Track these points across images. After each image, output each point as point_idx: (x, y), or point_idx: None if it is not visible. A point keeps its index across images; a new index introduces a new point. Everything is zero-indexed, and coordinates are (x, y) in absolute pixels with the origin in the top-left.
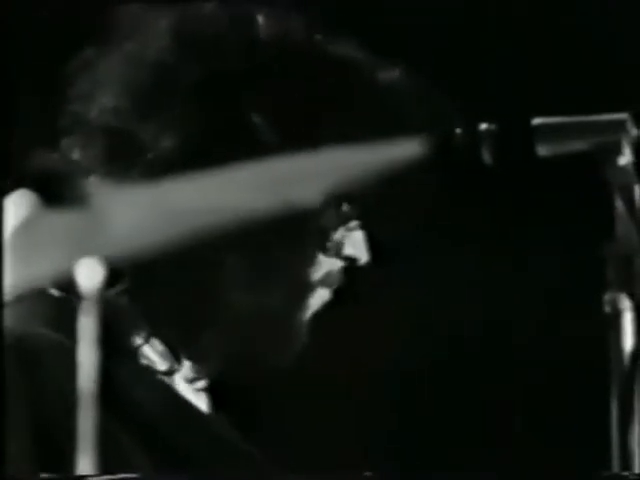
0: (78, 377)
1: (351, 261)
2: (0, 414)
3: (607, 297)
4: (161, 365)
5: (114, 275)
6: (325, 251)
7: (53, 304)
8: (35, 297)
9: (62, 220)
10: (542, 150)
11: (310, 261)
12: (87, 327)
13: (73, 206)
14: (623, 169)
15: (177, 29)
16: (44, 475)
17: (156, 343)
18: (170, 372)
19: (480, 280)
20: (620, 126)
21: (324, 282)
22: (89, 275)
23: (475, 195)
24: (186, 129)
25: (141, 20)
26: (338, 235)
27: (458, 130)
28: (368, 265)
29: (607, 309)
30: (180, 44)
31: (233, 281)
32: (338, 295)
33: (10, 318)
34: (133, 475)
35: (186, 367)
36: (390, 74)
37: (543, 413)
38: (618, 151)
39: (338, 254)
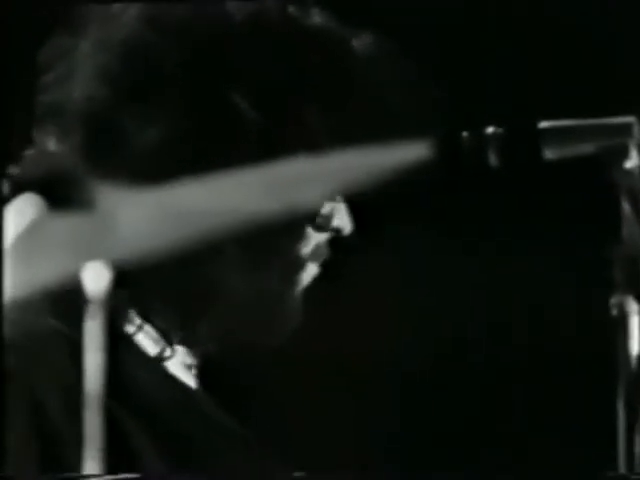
0: (85, 379)
1: (337, 232)
2: (0, 414)
3: (614, 300)
4: (154, 350)
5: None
6: (315, 226)
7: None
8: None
9: (68, 224)
10: (549, 153)
11: (301, 237)
12: (94, 330)
13: (79, 209)
14: (630, 172)
15: (148, 14)
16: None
17: (149, 329)
18: (164, 358)
19: (485, 282)
20: (627, 129)
21: (313, 256)
22: (95, 279)
23: (482, 198)
24: (168, 116)
25: (112, 8)
26: (326, 209)
27: (465, 133)
28: (354, 241)
29: (614, 312)
30: (153, 29)
31: (226, 263)
32: (326, 269)
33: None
34: (135, 475)
35: (180, 352)
36: (366, 43)
37: (549, 415)
38: (625, 154)
39: (327, 227)
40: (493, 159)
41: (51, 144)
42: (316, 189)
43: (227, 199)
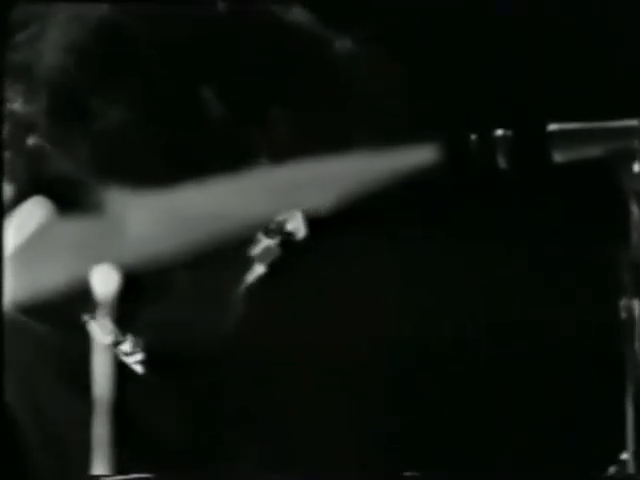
0: (93, 384)
1: (289, 236)
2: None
3: (622, 303)
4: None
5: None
6: (267, 233)
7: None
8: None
9: (76, 227)
10: (557, 156)
11: (250, 242)
12: (102, 332)
13: (87, 213)
14: (638, 175)
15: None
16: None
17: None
18: (114, 344)
19: (493, 284)
20: (635, 133)
21: (261, 257)
22: (104, 281)
23: (490, 200)
24: (134, 100)
25: None
26: (280, 217)
27: (473, 136)
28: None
29: (623, 315)
30: (130, 12)
31: (174, 262)
32: (273, 268)
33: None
34: (146, 475)
35: (128, 340)
36: (345, 44)
37: (555, 417)
38: (633, 157)
39: (279, 232)
40: (502, 162)
41: (18, 104)
42: (322, 193)
43: (234, 203)
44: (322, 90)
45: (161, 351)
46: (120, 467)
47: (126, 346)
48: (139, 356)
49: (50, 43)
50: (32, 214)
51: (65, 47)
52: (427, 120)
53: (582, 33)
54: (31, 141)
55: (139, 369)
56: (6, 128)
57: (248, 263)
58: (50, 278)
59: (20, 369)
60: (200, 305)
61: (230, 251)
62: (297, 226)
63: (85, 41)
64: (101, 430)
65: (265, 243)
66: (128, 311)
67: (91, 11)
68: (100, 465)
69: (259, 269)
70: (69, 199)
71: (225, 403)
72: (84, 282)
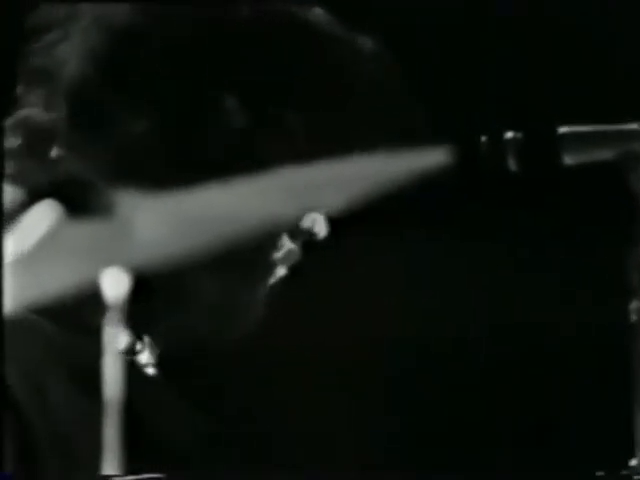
0: (104, 386)
1: (311, 236)
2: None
3: (632, 306)
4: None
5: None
6: (292, 237)
7: None
8: None
9: (86, 230)
10: (568, 159)
11: (274, 245)
12: (112, 337)
13: (97, 216)
14: None
15: (148, 4)
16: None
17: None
18: (131, 352)
19: (502, 287)
20: None
21: (284, 260)
22: (114, 284)
23: (500, 202)
24: (155, 111)
25: None
26: (307, 222)
27: (484, 138)
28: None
29: (633, 318)
30: (152, 19)
31: (195, 266)
32: (294, 270)
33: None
34: (157, 475)
35: (141, 343)
36: (366, 44)
37: (561, 420)
38: None
39: (304, 235)
40: (512, 164)
41: (37, 111)
42: (335, 194)
43: (246, 204)
44: (339, 91)
45: (176, 354)
46: (131, 468)
47: (139, 349)
48: (152, 359)
49: (72, 48)
50: (42, 217)
51: (87, 53)
52: (439, 122)
53: (595, 37)
54: (47, 147)
55: (152, 372)
56: (24, 134)
57: (267, 266)
58: (60, 281)
59: (30, 369)
60: (217, 307)
61: (249, 253)
62: (320, 228)
63: (107, 47)
64: (111, 432)
65: (288, 246)
66: (141, 314)
67: (114, 16)
68: (110, 466)
69: (281, 271)
70: (79, 202)
71: (238, 404)
72: (94, 285)
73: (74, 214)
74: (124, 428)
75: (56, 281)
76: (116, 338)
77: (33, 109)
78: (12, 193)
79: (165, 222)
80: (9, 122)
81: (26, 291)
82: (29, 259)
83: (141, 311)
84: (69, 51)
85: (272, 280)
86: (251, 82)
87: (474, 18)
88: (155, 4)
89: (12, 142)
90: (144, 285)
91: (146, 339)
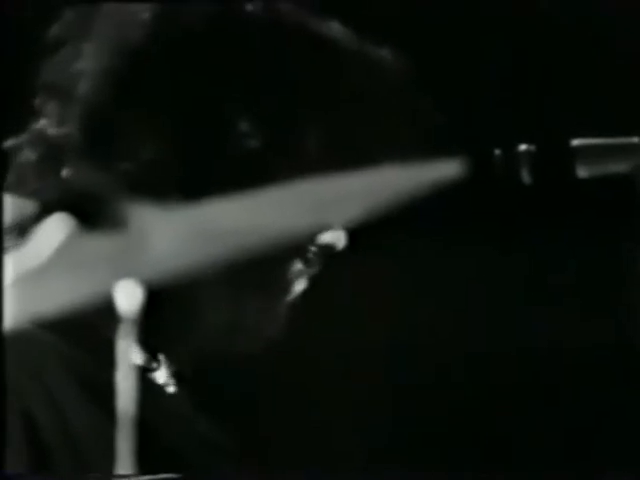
0: (117, 399)
1: (330, 249)
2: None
3: None
4: (137, 362)
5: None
6: (307, 263)
7: None
8: None
9: (99, 242)
10: (581, 171)
11: (294, 262)
12: (126, 350)
13: (110, 228)
14: None
15: (162, 22)
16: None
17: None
18: (148, 370)
19: (518, 298)
20: None
21: (303, 273)
22: (128, 297)
23: (513, 214)
24: (168, 132)
25: (125, 8)
26: (327, 238)
27: (497, 151)
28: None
29: None
30: (165, 39)
31: (208, 281)
32: (314, 281)
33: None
34: (173, 475)
35: (163, 365)
36: (382, 57)
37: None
38: None
39: (323, 251)
40: (525, 177)
41: (50, 125)
42: (349, 207)
43: (260, 217)
44: (356, 107)
45: (192, 368)
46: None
47: (155, 367)
48: (170, 378)
49: (86, 65)
50: (55, 230)
51: (101, 71)
52: (453, 134)
53: (610, 51)
54: (60, 162)
55: (171, 390)
56: (38, 149)
57: (285, 281)
58: (73, 293)
59: (43, 380)
60: (233, 323)
61: (267, 268)
62: (340, 242)
63: (121, 65)
64: (125, 445)
65: (308, 261)
66: (157, 328)
67: (128, 35)
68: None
69: (300, 287)
70: (92, 214)
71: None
72: (108, 298)
73: (87, 227)
74: (138, 440)
75: (69, 294)
76: (129, 351)
77: (47, 124)
78: (25, 207)
79: (179, 235)
80: (24, 137)
81: (39, 304)
82: (42, 272)
83: (157, 326)
84: (83, 68)
85: (291, 296)
86: (266, 99)
87: (489, 31)
88: (170, 24)
89: (26, 156)
90: (159, 299)
91: (162, 357)
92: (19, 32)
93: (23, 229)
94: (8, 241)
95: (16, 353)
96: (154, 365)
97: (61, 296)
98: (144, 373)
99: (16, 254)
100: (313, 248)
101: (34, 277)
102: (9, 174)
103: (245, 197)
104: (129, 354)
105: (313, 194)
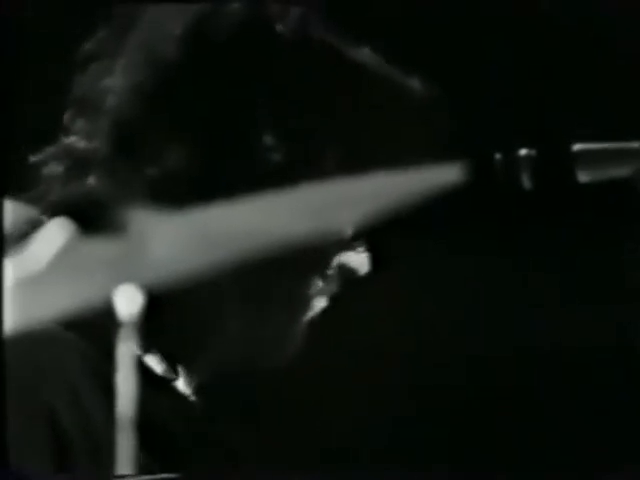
0: (117, 403)
1: (351, 272)
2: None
3: None
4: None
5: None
6: (325, 279)
7: None
8: None
9: (100, 247)
10: (582, 176)
11: (310, 284)
12: (126, 354)
13: (112, 233)
14: None
15: (191, 37)
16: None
17: (153, 356)
18: (168, 380)
19: (516, 302)
20: None
21: (321, 292)
22: (128, 302)
23: (514, 219)
24: (195, 147)
25: (156, 19)
26: (349, 259)
27: (498, 155)
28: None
29: None
30: (196, 55)
31: (226, 297)
32: (334, 300)
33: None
34: (173, 475)
35: (182, 378)
36: (415, 89)
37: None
38: None
39: (345, 273)
40: (526, 181)
41: (78, 139)
42: (351, 212)
43: (260, 222)
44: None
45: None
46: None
47: (174, 377)
48: (190, 389)
49: (116, 81)
50: (55, 235)
51: (131, 87)
52: (453, 139)
53: (612, 56)
54: (85, 175)
55: (193, 398)
56: (64, 162)
57: (305, 298)
58: (74, 298)
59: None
60: (252, 338)
61: (287, 282)
62: (363, 266)
63: (151, 82)
64: (125, 445)
65: (327, 277)
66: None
67: (159, 52)
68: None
69: (320, 304)
70: (93, 219)
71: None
72: (108, 302)
73: (87, 232)
74: (141, 441)
75: (69, 298)
76: (129, 354)
77: (76, 138)
78: (25, 212)
79: (179, 240)
80: (50, 150)
81: (39, 308)
82: (42, 277)
83: (178, 337)
84: (113, 84)
85: (311, 313)
86: (292, 114)
87: (490, 35)
88: (200, 40)
89: (53, 170)
90: (179, 310)
91: (180, 369)
92: (19, 32)
93: (23, 234)
94: (9, 246)
95: (39, 351)
96: (173, 376)
97: (61, 301)
98: (164, 383)
99: (16, 259)
100: (333, 265)
101: (34, 282)
102: (35, 187)
103: (245, 201)
104: (129, 357)
105: (314, 198)
